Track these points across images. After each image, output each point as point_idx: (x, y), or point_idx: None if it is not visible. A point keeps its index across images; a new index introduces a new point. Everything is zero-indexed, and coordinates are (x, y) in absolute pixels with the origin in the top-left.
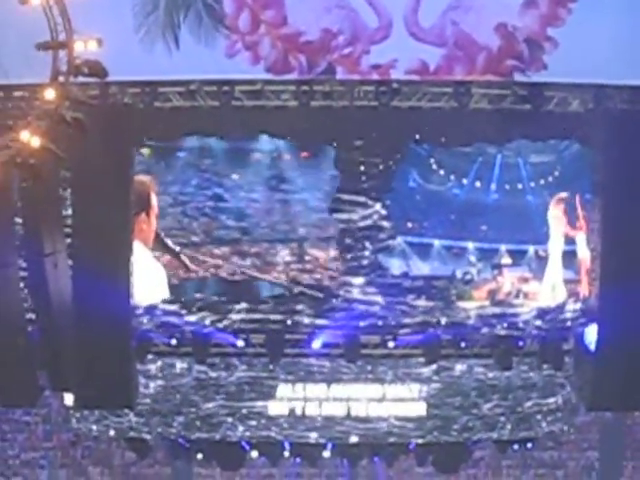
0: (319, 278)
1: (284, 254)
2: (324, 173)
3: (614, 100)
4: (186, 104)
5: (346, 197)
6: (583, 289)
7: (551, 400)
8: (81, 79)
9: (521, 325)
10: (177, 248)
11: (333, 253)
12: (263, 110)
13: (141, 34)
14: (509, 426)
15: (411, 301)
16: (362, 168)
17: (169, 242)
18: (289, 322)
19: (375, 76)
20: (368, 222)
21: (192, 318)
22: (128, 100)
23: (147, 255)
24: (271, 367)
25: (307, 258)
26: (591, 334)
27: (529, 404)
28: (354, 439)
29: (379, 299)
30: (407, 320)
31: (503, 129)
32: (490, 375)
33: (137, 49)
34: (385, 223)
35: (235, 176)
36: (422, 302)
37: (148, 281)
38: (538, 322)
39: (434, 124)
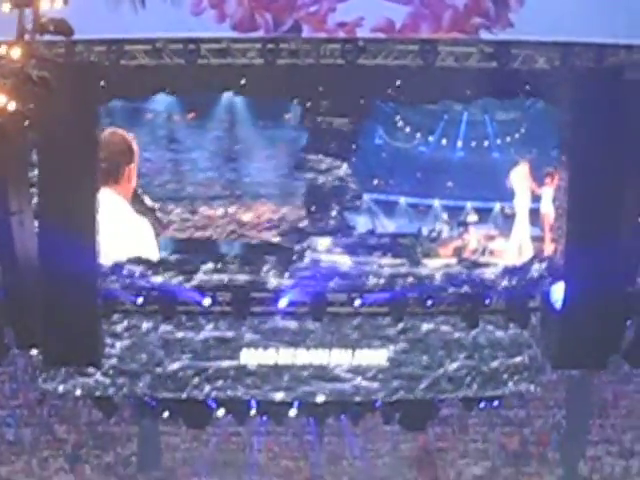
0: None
1: (177, 212)
2: (210, 133)
3: (580, 58)
4: (152, 62)
5: (312, 157)
6: (547, 246)
7: (517, 359)
8: (47, 37)
9: (487, 283)
10: (155, 205)
11: (221, 211)
12: (229, 68)
13: None
14: (475, 384)
15: (377, 259)
16: (327, 127)
17: (146, 198)
18: (255, 281)
19: (341, 34)
20: (335, 182)
21: (159, 278)
22: (94, 58)
23: (130, 210)
24: (237, 326)
25: (196, 217)
26: (557, 292)
27: (495, 363)
28: (320, 398)
29: (346, 258)
30: (373, 278)
31: (469, 87)
32: (456, 334)
33: (103, 7)
34: (351, 183)
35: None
36: (388, 260)
37: (136, 236)
38: (504, 280)
39: (400, 82)
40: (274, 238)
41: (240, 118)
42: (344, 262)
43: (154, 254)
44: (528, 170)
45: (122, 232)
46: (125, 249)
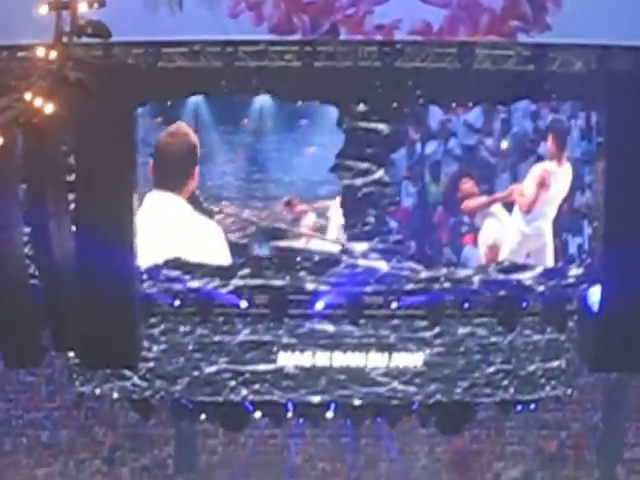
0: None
1: None
2: None
3: (618, 61)
4: (189, 65)
5: (349, 163)
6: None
7: (554, 362)
8: (84, 40)
9: (524, 286)
10: (214, 208)
11: None
12: (266, 70)
13: None
14: (512, 388)
15: (414, 264)
16: (365, 131)
17: (203, 201)
18: (292, 284)
19: (378, 37)
20: (371, 188)
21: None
22: (131, 61)
23: (197, 214)
24: (274, 328)
25: None
26: (594, 295)
27: (532, 366)
28: (357, 401)
29: (382, 264)
30: (410, 282)
31: (507, 90)
32: (493, 337)
33: (141, 10)
34: (388, 189)
35: None
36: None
37: (208, 240)
38: (542, 283)
39: (438, 85)
40: (241, 240)
41: (204, 122)
42: (380, 267)
43: (226, 258)
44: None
45: (193, 236)
46: (198, 254)
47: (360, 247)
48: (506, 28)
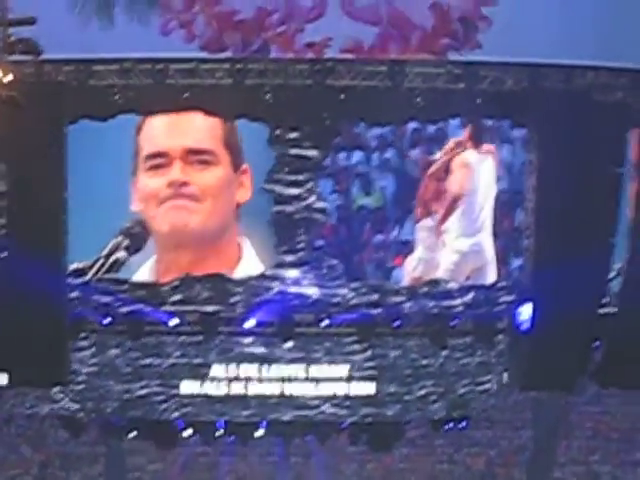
0: None
1: None
2: None
3: (549, 79)
4: (121, 82)
5: (279, 189)
6: None
7: (484, 380)
8: (15, 57)
9: (454, 303)
10: None
11: None
12: (197, 88)
13: (75, 12)
14: (443, 406)
15: (345, 291)
16: (296, 151)
17: None
18: (223, 302)
19: (309, 54)
20: (304, 214)
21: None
22: (62, 78)
23: None
24: (205, 346)
25: None
26: (525, 313)
27: (463, 384)
28: (287, 418)
29: (314, 290)
30: (340, 300)
31: (438, 108)
32: (424, 355)
33: (71, 27)
34: (319, 215)
35: None
36: (356, 284)
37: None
38: (470, 299)
39: (369, 103)
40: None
41: None
42: (312, 293)
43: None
44: None
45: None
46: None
47: (291, 274)
48: (437, 46)
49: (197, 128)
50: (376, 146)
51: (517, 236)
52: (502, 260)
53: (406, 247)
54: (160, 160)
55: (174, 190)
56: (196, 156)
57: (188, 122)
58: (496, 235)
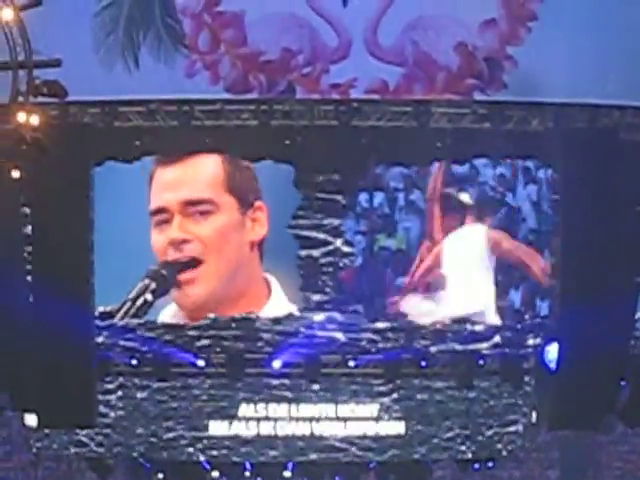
0: None
1: None
2: None
3: (573, 119)
4: (146, 124)
5: (305, 233)
6: None
7: (512, 419)
8: (41, 99)
9: (481, 343)
10: None
11: None
12: (223, 130)
13: (101, 54)
14: (470, 446)
15: (371, 335)
16: (322, 195)
17: None
18: (249, 342)
19: (335, 95)
20: (329, 259)
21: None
22: (88, 120)
23: None
24: (232, 387)
25: None
26: (551, 353)
27: (490, 424)
28: (314, 458)
29: (339, 335)
30: (367, 342)
31: (463, 148)
32: (450, 394)
33: (97, 69)
34: (345, 260)
35: None
36: (381, 325)
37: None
38: (497, 340)
39: (394, 143)
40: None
41: None
42: (338, 337)
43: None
44: None
45: None
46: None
47: (318, 317)
48: (462, 86)
49: (195, 179)
50: (401, 187)
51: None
52: (531, 300)
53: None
54: (162, 216)
55: (175, 248)
56: (195, 207)
57: (187, 173)
58: (524, 276)
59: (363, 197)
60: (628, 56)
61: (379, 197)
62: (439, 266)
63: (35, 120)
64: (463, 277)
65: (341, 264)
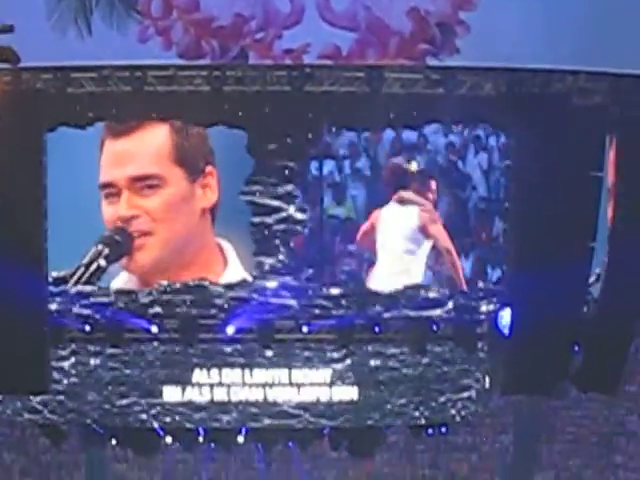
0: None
1: None
2: None
3: (527, 84)
4: (98, 89)
5: (258, 200)
6: None
7: (465, 384)
8: None
9: (435, 310)
10: None
11: None
12: (175, 95)
13: (53, 20)
14: (423, 411)
15: (325, 302)
16: (276, 161)
17: None
18: (202, 308)
19: (288, 61)
20: (282, 226)
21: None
22: (40, 86)
23: None
24: (185, 353)
25: None
26: (505, 318)
27: (443, 389)
28: (267, 424)
29: (293, 302)
30: (320, 309)
31: (416, 114)
32: (403, 360)
33: (49, 35)
34: (298, 227)
35: None
36: (335, 291)
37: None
38: (451, 306)
39: (347, 109)
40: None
41: None
42: (292, 304)
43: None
44: None
45: None
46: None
47: (271, 284)
48: (415, 51)
49: (142, 153)
50: (347, 154)
51: (496, 243)
52: (482, 267)
53: None
54: (110, 190)
55: (124, 223)
56: (142, 182)
57: (134, 147)
58: (475, 243)
59: (313, 165)
60: (581, 20)
61: (329, 165)
62: (374, 231)
63: None
64: (394, 247)
65: (294, 231)
